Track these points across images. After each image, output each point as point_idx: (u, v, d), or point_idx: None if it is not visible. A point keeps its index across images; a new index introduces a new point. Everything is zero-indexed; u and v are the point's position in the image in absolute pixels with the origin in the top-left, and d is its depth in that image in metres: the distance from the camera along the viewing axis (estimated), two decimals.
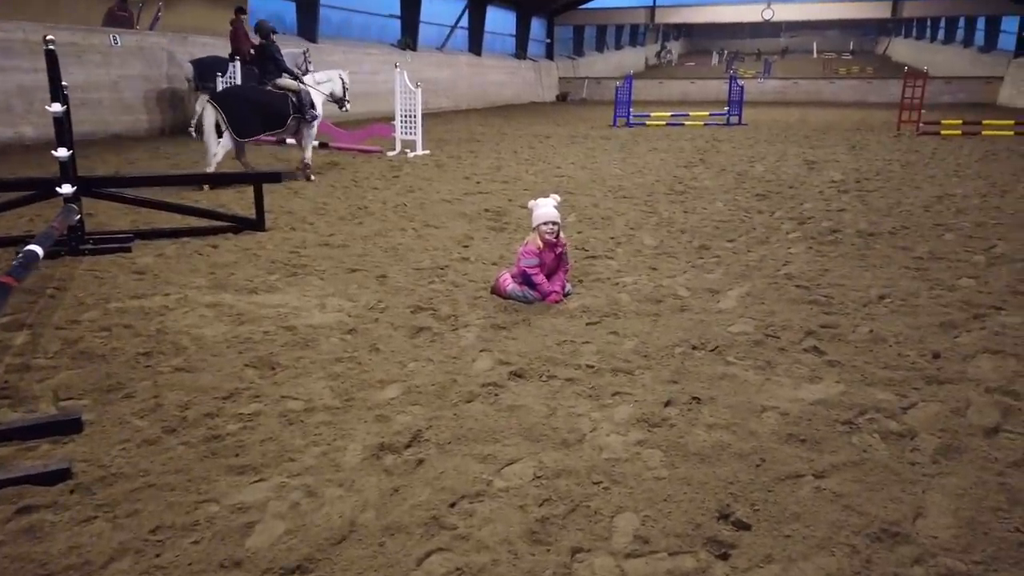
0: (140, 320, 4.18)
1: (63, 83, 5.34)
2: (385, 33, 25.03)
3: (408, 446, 2.82)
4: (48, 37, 5.05)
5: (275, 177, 6.33)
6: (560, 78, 39.10)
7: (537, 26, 37.45)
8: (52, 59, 5.05)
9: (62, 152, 5.18)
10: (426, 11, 25.83)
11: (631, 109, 20.25)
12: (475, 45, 30.66)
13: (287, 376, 3.47)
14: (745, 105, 20.96)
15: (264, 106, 8.80)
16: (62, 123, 5.17)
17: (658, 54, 55.67)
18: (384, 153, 12.55)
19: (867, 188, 9.13)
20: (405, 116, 12.69)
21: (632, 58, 49.66)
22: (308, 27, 20.03)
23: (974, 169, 10.89)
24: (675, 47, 59.75)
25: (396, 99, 12.71)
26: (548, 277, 4.67)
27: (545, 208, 4.64)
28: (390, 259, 5.69)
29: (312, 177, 9.50)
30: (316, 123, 9.53)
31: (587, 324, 4.22)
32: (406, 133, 12.77)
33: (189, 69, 13.90)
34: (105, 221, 6.63)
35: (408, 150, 12.72)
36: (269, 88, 9.15)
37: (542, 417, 3.06)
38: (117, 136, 13.24)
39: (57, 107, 5.12)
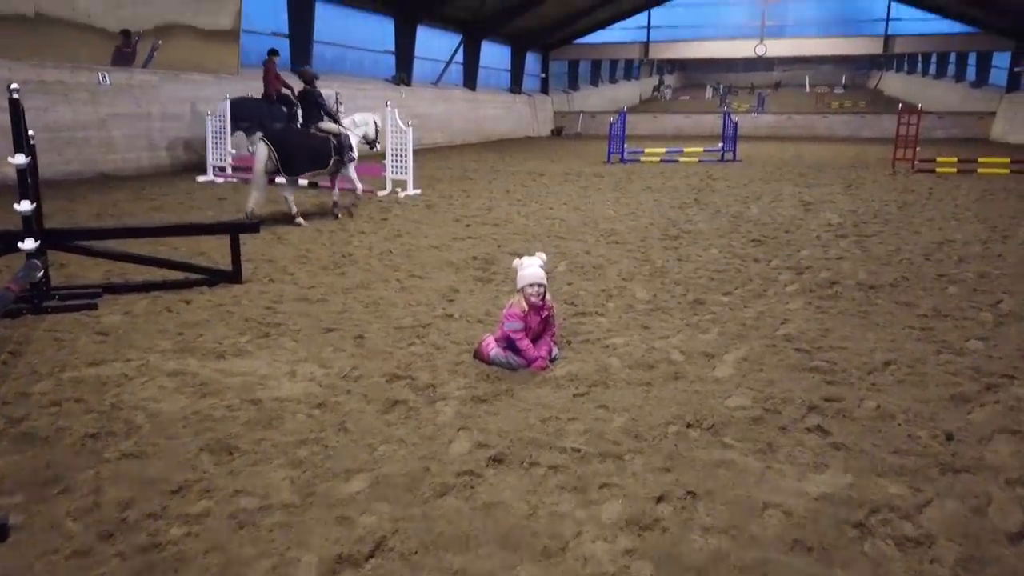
0: (94, 393, 3.89)
1: (30, 133, 5.12)
2: (379, 68, 25.04)
3: (369, 557, 2.53)
4: (13, 85, 4.83)
5: (253, 227, 6.08)
6: (555, 112, 39.23)
7: (532, 60, 37.68)
8: (16, 108, 4.83)
9: (25, 205, 4.94)
10: (421, 47, 25.90)
11: (625, 145, 20.17)
12: (470, 80, 30.76)
13: (245, 463, 3.18)
14: (739, 140, 20.92)
15: (310, 147, 9.13)
16: (25, 175, 4.93)
17: (656, 88, 56.08)
18: (374, 193, 12.35)
19: (865, 232, 8.92)
20: (396, 154, 12.52)
21: (627, 92, 50.01)
22: (302, 63, 19.97)
23: (973, 211, 10.72)
24: (670, 80, 60.26)
25: (387, 138, 12.56)
26: (534, 341, 4.41)
27: (531, 269, 4.39)
28: (370, 316, 5.43)
29: (360, 198, 10.23)
30: (353, 164, 9.85)
31: (574, 395, 3.94)
32: (397, 172, 12.59)
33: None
34: (77, 272, 6.38)
35: (399, 189, 12.54)
36: (313, 131, 9.41)
37: (521, 517, 2.77)
38: (104, 175, 13.05)
39: (20, 158, 4.89)
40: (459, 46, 28.94)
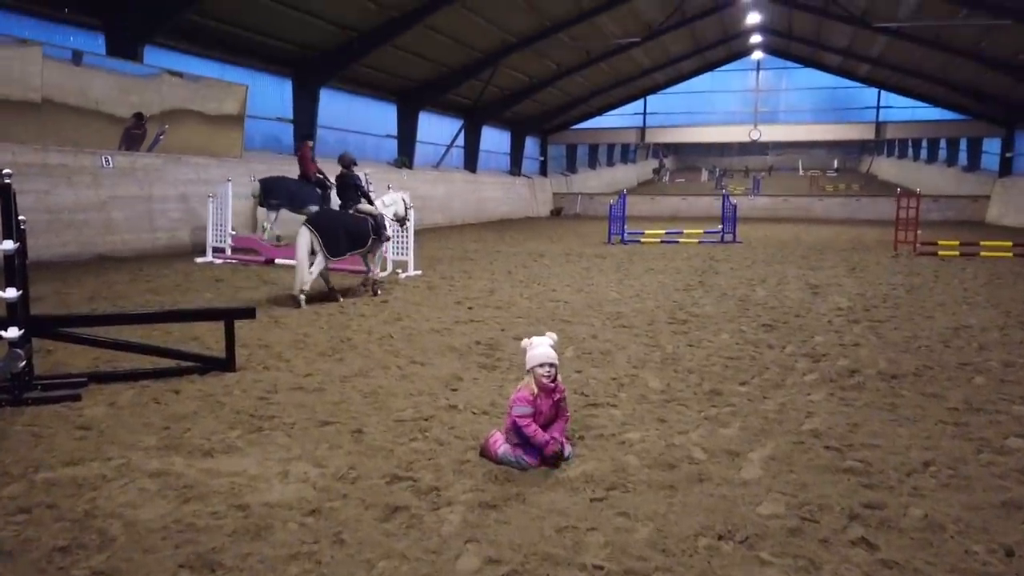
0: (68, 498, 3.56)
1: (21, 218, 4.96)
2: (381, 152, 25.46)
3: None
4: (5, 171, 4.69)
5: (248, 313, 5.86)
6: (554, 194, 39.80)
7: (531, 144, 38.51)
8: (6, 193, 4.67)
9: (10, 292, 4.72)
10: (423, 131, 26.44)
11: (625, 226, 20.25)
12: (471, 162, 31.30)
13: None
14: (738, 221, 21.03)
15: (350, 229, 9.48)
16: (12, 260, 4.74)
17: (656, 170, 57.15)
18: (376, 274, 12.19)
19: (877, 318, 8.71)
20: (397, 235, 12.45)
21: (624, 174, 50.94)
22: None
23: (983, 295, 10.55)
24: (668, 163, 61.55)
25: (386, 219, 12.53)
26: (544, 427, 4.11)
27: (541, 348, 4.13)
28: (369, 407, 5.13)
29: (379, 292, 10.18)
30: (387, 243, 10.39)
31: (591, 500, 3.62)
32: (398, 253, 12.49)
33: (256, 187, 14.09)
34: (65, 359, 6.09)
35: (399, 271, 12.41)
36: (352, 212, 9.80)
37: None
38: (101, 257, 12.93)
39: (8, 244, 4.70)
40: (460, 130, 29.56)
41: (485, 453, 4.20)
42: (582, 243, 19.95)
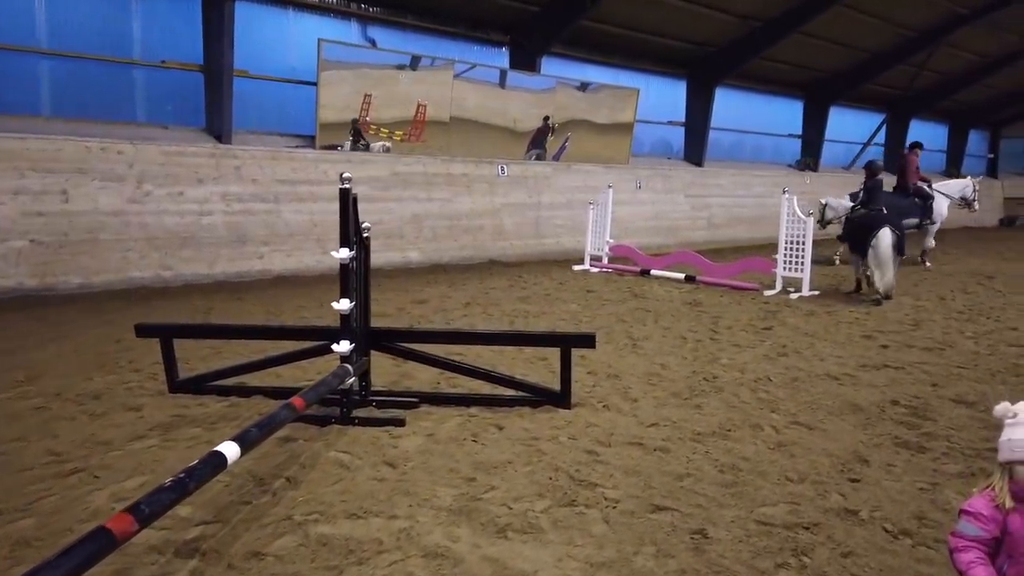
0: (329, 571, 2.91)
1: (364, 224, 4.70)
2: (780, 154, 23.03)
3: None
4: (345, 175, 4.42)
5: (588, 341, 4.87)
6: (1006, 199, 32.10)
7: (976, 139, 31.64)
8: (346, 198, 4.39)
9: (344, 304, 4.44)
10: (832, 129, 23.24)
11: None
12: (892, 163, 26.71)
13: None
14: None
15: (903, 231, 10.13)
16: (347, 271, 4.45)
17: None
18: (760, 292, 10.48)
19: None
20: (790, 248, 10.53)
21: None
22: (696, 152, 19.16)
23: None
24: None
25: (780, 227, 10.69)
26: None
27: None
28: (723, 491, 3.70)
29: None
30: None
31: None
32: (790, 269, 10.55)
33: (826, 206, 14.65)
34: (411, 371, 5.87)
35: (791, 289, 10.47)
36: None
37: None
38: (492, 261, 13.48)
39: (345, 253, 4.42)
40: (881, 125, 25.38)
41: None
42: None
